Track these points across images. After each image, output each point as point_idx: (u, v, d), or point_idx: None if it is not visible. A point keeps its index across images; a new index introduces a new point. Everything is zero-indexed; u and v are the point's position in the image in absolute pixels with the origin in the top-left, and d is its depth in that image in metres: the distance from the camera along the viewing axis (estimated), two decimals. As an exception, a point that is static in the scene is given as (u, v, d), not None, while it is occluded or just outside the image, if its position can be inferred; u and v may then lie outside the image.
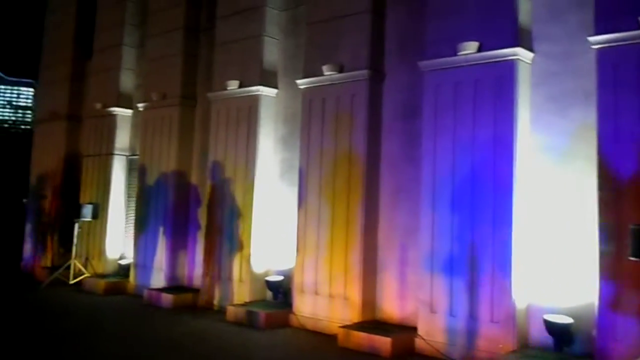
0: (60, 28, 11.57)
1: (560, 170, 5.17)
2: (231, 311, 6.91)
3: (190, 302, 7.86)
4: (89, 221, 9.72)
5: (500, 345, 5.04)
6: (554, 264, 5.10)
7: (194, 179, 8.78)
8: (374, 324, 6.05)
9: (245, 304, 7.07)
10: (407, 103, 6.33)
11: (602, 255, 4.52)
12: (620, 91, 4.58)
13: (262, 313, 6.54)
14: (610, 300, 4.46)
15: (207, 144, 8.53)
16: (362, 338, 5.57)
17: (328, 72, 6.65)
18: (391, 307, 6.22)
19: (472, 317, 5.24)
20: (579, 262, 4.94)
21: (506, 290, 5.07)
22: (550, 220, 5.17)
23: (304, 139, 6.89)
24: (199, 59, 8.93)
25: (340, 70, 6.58)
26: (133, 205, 9.83)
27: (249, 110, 7.62)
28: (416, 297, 5.83)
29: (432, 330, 5.48)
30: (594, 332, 4.58)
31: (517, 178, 5.15)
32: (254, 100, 7.58)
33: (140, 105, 9.33)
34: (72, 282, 9.43)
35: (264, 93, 7.56)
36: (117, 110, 9.89)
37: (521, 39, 5.30)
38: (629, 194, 4.45)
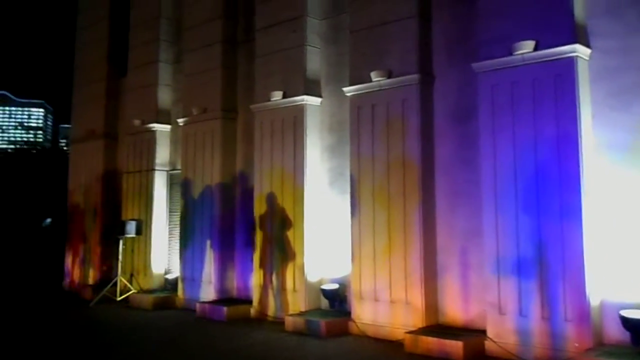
0: (93, 47, 11.92)
1: (626, 165, 5.22)
2: (289, 321, 7.03)
3: (244, 314, 8.00)
4: (133, 237, 9.95)
5: (576, 344, 5.08)
6: (627, 260, 5.14)
7: (238, 191, 8.96)
8: (439, 328, 6.13)
9: (302, 314, 7.19)
10: (459, 105, 6.43)
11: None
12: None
13: (322, 322, 6.66)
14: (693, 294, 4.48)
15: (251, 156, 8.74)
16: (431, 343, 5.65)
17: (376, 79, 6.78)
18: (454, 310, 6.29)
19: (544, 317, 5.29)
20: (654, 257, 4.97)
21: (579, 288, 5.12)
22: (619, 216, 5.21)
23: (353, 146, 7.02)
24: (238, 72, 9.14)
25: (389, 76, 6.71)
26: (175, 219, 10.05)
27: (294, 120, 7.79)
28: (482, 299, 5.90)
29: (502, 332, 5.54)
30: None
31: (583, 175, 5.21)
32: (299, 109, 7.74)
33: (181, 120, 9.56)
34: (119, 298, 9.65)
35: (308, 102, 7.72)
36: (156, 126, 10.14)
37: (579, 35, 5.38)
38: None
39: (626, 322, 4.91)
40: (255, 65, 8.48)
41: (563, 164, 5.29)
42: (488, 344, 5.60)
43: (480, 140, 5.88)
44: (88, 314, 8.82)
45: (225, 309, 7.91)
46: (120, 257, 9.85)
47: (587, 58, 5.46)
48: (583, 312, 5.10)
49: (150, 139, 10.20)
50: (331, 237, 7.57)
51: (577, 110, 5.28)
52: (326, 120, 7.84)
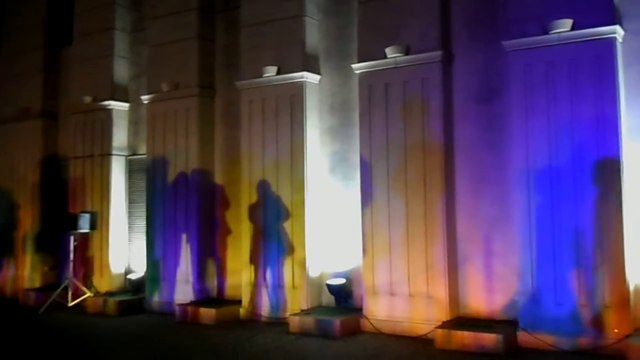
0: (25, 10, 10.50)
1: (661, 149, 5.40)
2: (295, 321, 6.63)
3: (232, 315, 7.46)
4: (86, 232, 8.96)
5: (615, 330, 5.20)
6: (663, 245, 5.33)
7: (218, 178, 8.33)
8: (464, 321, 6.05)
9: (306, 312, 6.83)
10: (482, 85, 6.34)
11: None
12: None
13: (336, 321, 6.34)
14: None
15: (233, 139, 8.15)
16: (467, 337, 5.54)
17: (392, 55, 6.51)
18: (477, 301, 6.24)
19: (582, 304, 5.37)
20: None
21: (619, 273, 5.23)
22: (655, 201, 5.39)
23: (364, 129, 6.72)
24: (215, 45, 8.45)
25: (407, 53, 6.46)
26: (136, 211, 9.20)
27: (292, 99, 7.32)
28: (508, 289, 5.89)
29: (536, 322, 5.55)
30: None
31: (623, 158, 5.32)
32: (297, 87, 7.28)
33: (146, 97, 8.68)
34: (71, 304, 8.67)
35: (308, 79, 7.28)
36: (112, 104, 9.16)
37: (616, 16, 5.45)
38: None
39: (664, 307, 5.09)
40: (240, 37, 7.86)
41: (602, 146, 5.36)
42: (521, 335, 5.60)
43: (512, 122, 5.83)
44: (42, 324, 7.79)
45: (212, 310, 7.32)
46: (71, 255, 8.83)
47: (621, 40, 5.56)
48: (623, 298, 5.23)
49: (105, 118, 9.20)
50: (332, 228, 7.24)
51: (617, 92, 5.36)
52: (326, 99, 7.45)
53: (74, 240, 8.90)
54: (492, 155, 6.18)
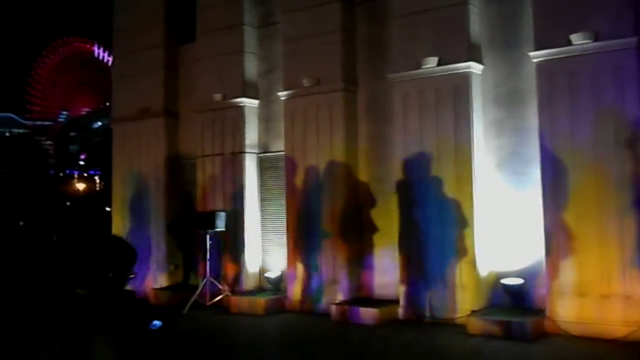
0: (142, 9, 10.75)
1: None
2: (475, 323, 6.59)
3: (392, 315, 7.49)
4: (222, 231, 9.16)
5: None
6: None
7: (362, 175, 8.36)
8: (671, 323, 5.88)
9: (483, 313, 6.78)
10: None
11: None
12: None
13: (528, 322, 6.27)
14: None
15: (378, 134, 8.16)
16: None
17: (578, 42, 6.34)
18: (680, 302, 6.05)
19: None
20: None
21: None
22: None
23: (544, 121, 6.58)
24: (357, 36, 8.45)
25: (595, 39, 6.28)
26: (270, 210, 9.36)
27: (455, 91, 7.24)
28: None
29: None
30: None
31: None
32: (462, 79, 7.20)
33: (283, 94, 8.78)
34: (209, 302, 8.89)
35: (473, 70, 7.19)
36: (244, 101, 9.29)
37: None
38: None
39: None
40: (390, 28, 7.83)
41: None
42: None
43: None
44: (195, 324, 7.99)
45: (374, 311, 7.38)
46: (208, 254, 9.05)
47: None
48: None
49: (237, 116, 9.35)
50: (502, 226, 7.15)
51: None
52: (489, 91, 7.34)
53: (210, 239, 9.11)
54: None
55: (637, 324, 5.87)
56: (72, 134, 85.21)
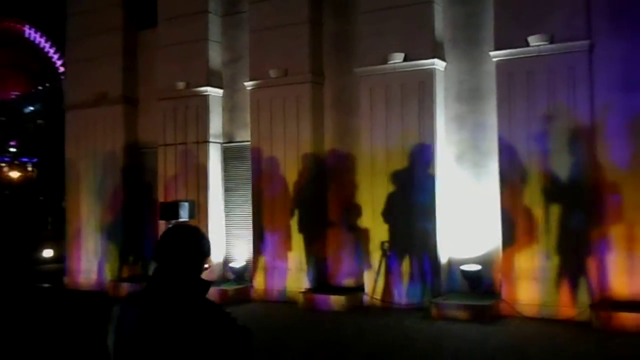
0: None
1: None
2: (436, 307, 7.00)
3: (358, 302, 7.82)
4: (185, 221, 9.13)
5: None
6: None
7: (329, 166, 8.59)
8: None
9: (442, 298, 7.21)
10: (627, 74, 6.70)
11: None
12: None
13: (486, 306, 6.75)
14: None
15: (345, 126, 8.42)
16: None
17: (535, 43, 6.83)
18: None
19: None
20: None
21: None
22: None
23: (502, 116, 7.03)
24: (323, 30, 8.63)
25: (551, 41, 6.78)
26: (233, 200, 9.43)
27: (419, 86, 7.59)
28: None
29: None
30: None
31: None
32: (427, 75, 7.55)
33: (250, 84, 8.85)
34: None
35: (437, 67, 7.56)
36: (208, 90, 9.28)
37: None
38: None
39: None
40: (357, 23, 8.07)
41: None
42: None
43: (667, 112, 6.23)
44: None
45: (342, 298, 7.67)
46: (170, 245, 9.00)
47: None
48: None
49: (200, 105, 9.32)
50: (461, 216, 7.60)
51: None
52: (452, 87, 7.74)
53: (173, 230, 9.05)
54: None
55: (586, 306, 6.46)
56: (1, 118, 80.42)
